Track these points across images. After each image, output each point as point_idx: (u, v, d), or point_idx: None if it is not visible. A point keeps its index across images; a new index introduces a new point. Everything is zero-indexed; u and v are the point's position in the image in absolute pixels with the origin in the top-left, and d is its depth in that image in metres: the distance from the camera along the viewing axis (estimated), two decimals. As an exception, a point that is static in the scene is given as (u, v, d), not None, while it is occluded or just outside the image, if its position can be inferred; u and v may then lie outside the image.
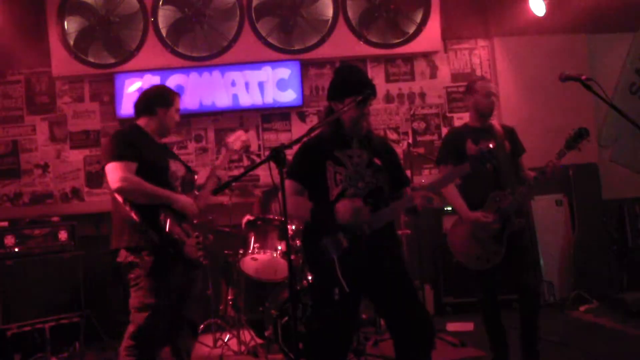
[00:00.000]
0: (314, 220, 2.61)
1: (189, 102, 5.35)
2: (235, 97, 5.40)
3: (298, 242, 4.01)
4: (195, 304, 3.16)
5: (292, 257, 3.97)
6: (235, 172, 5.42)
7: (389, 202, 2.65)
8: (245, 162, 5.51)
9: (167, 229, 2.84)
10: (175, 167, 3.03)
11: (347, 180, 2.61)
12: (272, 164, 2.28)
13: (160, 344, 2.97)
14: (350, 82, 2.67)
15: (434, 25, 5.47)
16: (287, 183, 2.49)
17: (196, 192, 3.13)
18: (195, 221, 3.03)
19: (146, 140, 3.01)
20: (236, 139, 3.38)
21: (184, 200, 2.93)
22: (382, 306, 2.71)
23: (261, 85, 5.41)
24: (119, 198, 2.88)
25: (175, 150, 5.34)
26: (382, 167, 2.68)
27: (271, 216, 4.20)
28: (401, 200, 2.65)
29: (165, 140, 3.19)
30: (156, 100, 3.07)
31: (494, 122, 3.59)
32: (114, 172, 2.83)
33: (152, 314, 2.85)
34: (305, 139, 2.59)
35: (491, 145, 2.58)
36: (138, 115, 3.10)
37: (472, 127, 3.53)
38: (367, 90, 2.59)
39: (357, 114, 2.61)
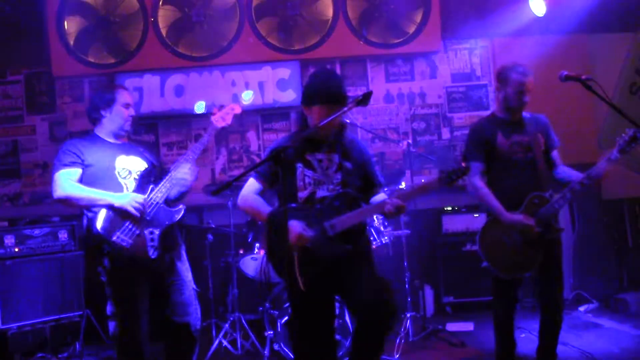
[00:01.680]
0: (278, 219, 2.61)
1: (189, 102, 5.36)
2: (235, 97, 5.40)
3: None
4: (185, 306, 3.05)
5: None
6: (236, 172, 5.43)
7: (356, 206, 2.64)
8: (245, 162, 5.51)
9: (99, 230, 2.80)
10: (128, 164, 3.01)
11: (316, 184, 2.65)
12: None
13: (139, 351, 2.93)
14: (317, 91, 2.66)
15: (433, 25, 5.47)
16: (251, 181, 2.66)
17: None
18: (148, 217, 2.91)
19: (94, 144, 3.02)
20: (225, 114, 3.27)
21: (120, 199, 2.84)
22: (345, 297, 2.74)
23: (261, 85, 5.41)
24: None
25: (175, 150, 5.36)
26: (352, 170, 2.70)
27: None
28: (369, 206, 2.67)
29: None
30: (97, 104, 3.07)
31: (526, 111, 3.31)
32: (54, 183, 2.91)
33: (120, 323, 2.89)
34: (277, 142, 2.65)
35: (463, 164, 2.54)
36: (93, 125, 3.12)
37: (501, 118, 3.28)
38: (332, 101, 2.58)
39: (325, 126, 2.56)
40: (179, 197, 3.11)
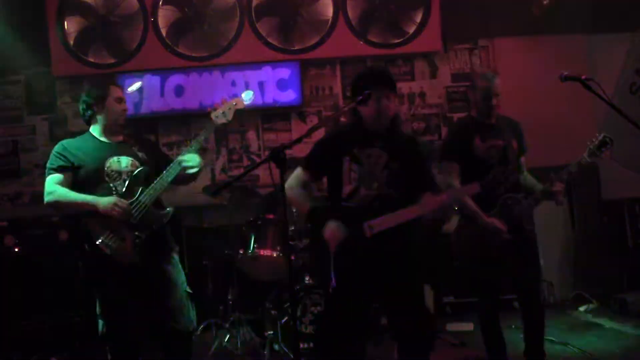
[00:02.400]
0: (323, 215, 2.60)
1: (189, 102, 5.35)
2: (235, 97, 5.38)
3: (298, 242, 4.02)
4: (176, 310, 3.03)
5: (292, 257, 3.97)
6: (236, 172, 5.43)
7: (397, 207, 2.61)
8: (245, 162, 5.51)
9: (84, 234, 2.84)
10: (117, 165, 2.98)
11: (361, 180, 2.60)
12: (272, 164, 2.29)
13: (129, 350, 2.96)
14: (365, 78, 2.68)
15: (434, 25, 5.46)
16: (299, 171, 2.62)
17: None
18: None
19: (86, 145, 3.01)
20: (226, 109, 3.21)
21: (104, 204, 2.84)
22: (386, 308, 2.74)
23: (261, 85, 5.41)
24: None
25: (175, 150, 5.35)
26: (400, 170, 2.64)
27: (271, 216, 4.20)
28: (409, 208, 2.60)
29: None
30: (89, 99, 3.04)
31: (500, 114, 3.37)
32: (45, 189, 2.93)
33: (104, 324, 2.92)
34: (328, 130, 2.64)
35: (509, 167, 2.55)
36: (88, 123, 3.11)
37: (477, 120, 3.33)
38: (374, 86, 2.58)
39: (373, 111, 2.58)
40: (192, 176, 3.12)
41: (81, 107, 3.08)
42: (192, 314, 3.12)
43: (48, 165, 2.97)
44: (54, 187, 2.90)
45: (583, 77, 2.60)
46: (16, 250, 4.38)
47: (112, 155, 2.99)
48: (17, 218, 4.79)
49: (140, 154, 3.08)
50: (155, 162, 3.13)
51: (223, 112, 3.21)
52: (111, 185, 2.95)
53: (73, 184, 2.93)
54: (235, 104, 3.24)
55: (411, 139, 2.82)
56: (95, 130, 3.08)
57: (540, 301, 3.30)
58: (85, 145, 3.02)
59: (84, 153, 2.97)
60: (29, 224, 4.57)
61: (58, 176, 2.92)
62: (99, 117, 3.04)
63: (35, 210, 5.25)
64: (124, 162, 3.01)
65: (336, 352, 2.60)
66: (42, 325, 4.28)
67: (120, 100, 3.06)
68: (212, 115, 3.20)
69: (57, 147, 3.01)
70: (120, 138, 3.12)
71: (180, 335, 3.06)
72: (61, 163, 2.94)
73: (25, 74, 5.44)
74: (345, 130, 2.68)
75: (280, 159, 2.25)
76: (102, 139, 3.06)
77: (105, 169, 2.95)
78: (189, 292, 3.12)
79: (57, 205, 2.91)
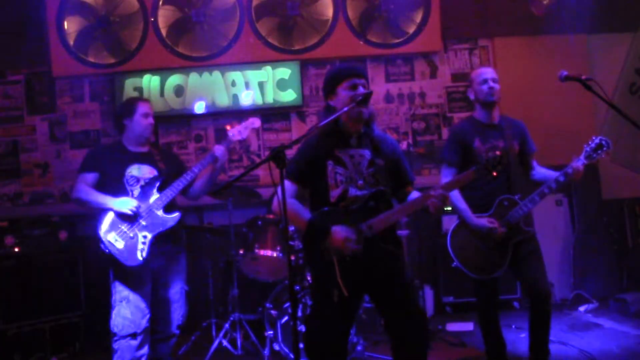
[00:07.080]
0: (313, 222, 2.59)
1: (189, 102, 5.36)
2: (235, 97, 5.40)
3: (298, 242, 4.01)
4: (173, 303, 3.34)
5: (292, 257, 3.97)
6: (236, 172, 5.43)
7: (390, 205, 2.62)
8: (245, 162, 5.51)
9: (98, 230, 3.12)
10: (137, 172, 3.27)
11: (347, 181, 2.59)
12: (272, 164, 2.29)
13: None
14: (338, 72, 2.72)
15: (434, 25, 5.47)
16: (286, 184, 2.49)
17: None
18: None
19: (114, 152, 3.35)
20: (243, 128, 3.45)
21: (116, 203, 3.12)
22: (381, 307, 2.71)
23: (261, 85, 5.41)
24: None
25: (175, 150, 5.35)
26: (385, 167, 2.64)
27: (271, 216, 4.20)
28: (410, 203, 2.60)
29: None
30: (120, 114, 3.40)
31: (503, 115, 3.40)
32: (74, 185, 3.28)
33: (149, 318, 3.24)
34: (305, 138, 2.61)
35: (498, 153, 2.54)
36: (120, 133, 3.42)
37: (479, 122, 3.34)
38: (353, 73, 2.65)
39: (353, 109, 2.55)
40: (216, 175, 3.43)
41: (114, 118, 3.47)
42: (184, 310, 3.43)
43: (81, 165, 3.33)
44: (79, 185, 3.24)
45: (583, 77, 2.61)
46: (16, 250, 4.38)
47: (133, 163, 3.28)
48: (17, 218, 4.78)
49: (160, 165, 3.36)
50: (175, 172, 3.36)
51: (239, 130, 3.45)
52: (128, 189, 3.23)
53: (97, 186, 3.25)
54: (253, 124, 3.50)
55: (384, 136, 2.79)
56: (124, 139, 3.38)
57: (548, 295, 3.23)
58: (114, 152, 3.35)
59: (111, 159, 3.30)
60: (29, 224, 4.57)
61: (84, 176, 3.27)
62: (128, 129, 3.35)
63: (35, 210, 5.26)
64: (144, 170, 3.30)
65: (328, 352, 2.59)
66: (42, 325, 4.28)
67: (147, 115, 3.34)
68: (229, 132, 3.45)
69: (91, 151, 3.47)
70: (146, 149, 3.40)
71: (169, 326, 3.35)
72: (91, 164, 3.30)
73: (25, 74, 5.44)
74: (321, 134, 2.63)
75: (280, 159, 2.25)
76: (129, 148, 3.36)
77: (126, 174, 3.25)
78: (185, 290, 3.43)
79: (79, 201, 3.22)
